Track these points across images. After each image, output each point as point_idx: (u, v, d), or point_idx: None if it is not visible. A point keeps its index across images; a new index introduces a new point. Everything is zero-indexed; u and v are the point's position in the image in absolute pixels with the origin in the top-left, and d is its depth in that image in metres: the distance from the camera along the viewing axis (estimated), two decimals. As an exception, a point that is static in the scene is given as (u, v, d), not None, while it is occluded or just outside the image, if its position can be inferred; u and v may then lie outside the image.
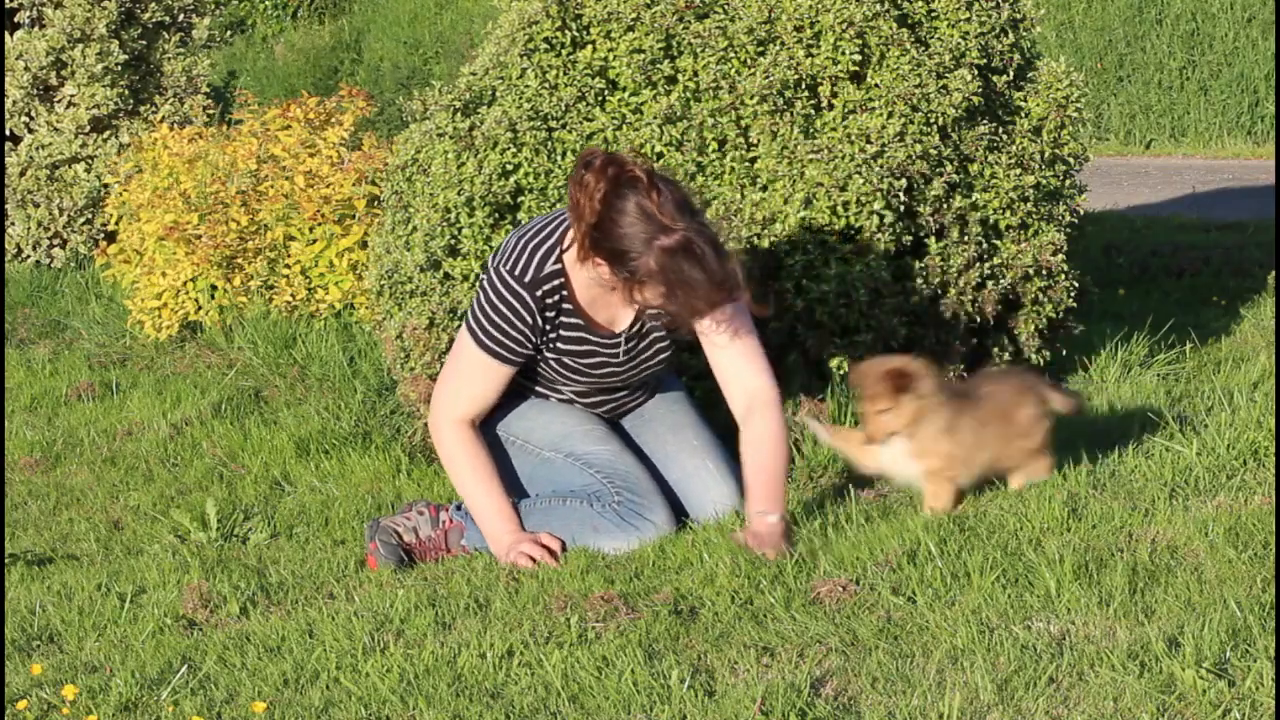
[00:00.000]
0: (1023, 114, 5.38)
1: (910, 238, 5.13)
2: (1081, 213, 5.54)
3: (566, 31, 5.15)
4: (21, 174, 9.60)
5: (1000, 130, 5.32)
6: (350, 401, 6.06)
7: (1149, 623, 3.33)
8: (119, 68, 9.66)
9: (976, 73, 5.24)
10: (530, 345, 4.34)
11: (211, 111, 10.01)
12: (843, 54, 5.10)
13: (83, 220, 9.62)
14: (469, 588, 4.02)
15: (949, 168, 5.16)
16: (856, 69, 5.14)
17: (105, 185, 9.38)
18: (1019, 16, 5.40)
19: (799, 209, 4.96)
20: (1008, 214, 5.27)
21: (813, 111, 5.12)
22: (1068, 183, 5.41)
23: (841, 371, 5.08)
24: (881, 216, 5.05)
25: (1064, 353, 5.62)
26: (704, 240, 4.05)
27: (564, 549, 4.29)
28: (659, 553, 4.15)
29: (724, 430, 4.47)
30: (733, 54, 5.10)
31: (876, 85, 5.14)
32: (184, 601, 4.11)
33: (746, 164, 5.08)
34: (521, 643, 3.55)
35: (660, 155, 5.03)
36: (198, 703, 3.43)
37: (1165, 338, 5.92)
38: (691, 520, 4.41)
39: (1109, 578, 3.55)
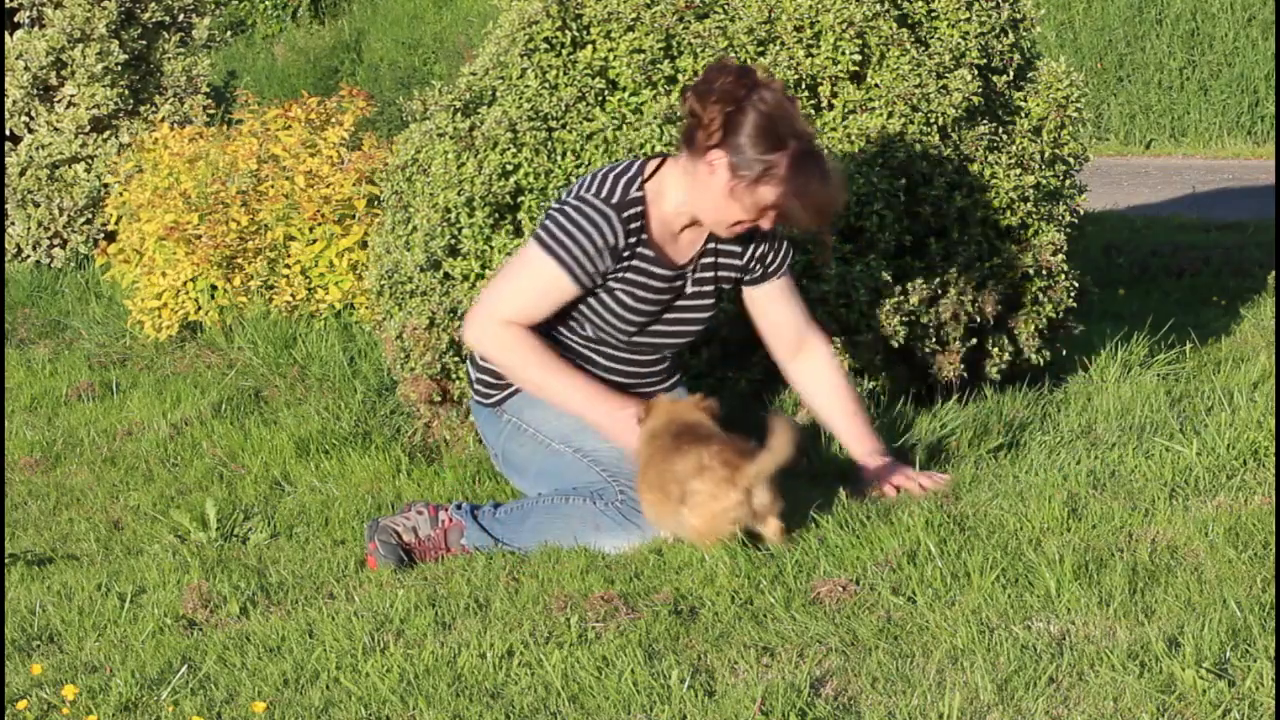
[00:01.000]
0: (1023, 114, 5.38)
1: (910, 238, 5.13)
2: (1081, 213, 5.55)
3: (566, 31, 5.15)
4: (21, 174, 9.60)
5: (1000, 130, 5.32)
6: (350, 401, 6.06)
7: (1149, 623, 3.33)
8: (119, 68, 9.67)
9: (976, 73, 5.24)
10: (600, 269, 4.29)
11: (211, 111, 10.01)
12: (843, 54, 5.10)
13: (83, 220, 9.62)
14: (469, 588, 4.02)
15: (949, 168, 5.16)
16: (856, 69, 5.14)
17: (105, 185, 9.38)
18: (1019, 16, 5.40)
19: (799, 209, 4.96)
20: (1008, 214, 5.27)
21: (813, 111, 5.12)
22: (1068, 183, 5.42)
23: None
24: (882, 216, 5.05)
25: (1064, 353, 5.62)
26: (826, 159, 4.24)
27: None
28: (659, 553, 4.14)
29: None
30: (733, 54, 5.10)
31: (876, 85, 5.14)
32: (184, 601, 4.11)
33: (746, 164, 5.08)
34: (521, 643, 3.55)
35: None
36: (198, 703, 3.43)
37: (1165, 338, 5.92)
38: None
39: (1109, 578, 3.55)
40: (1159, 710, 2.98)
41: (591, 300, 4.37)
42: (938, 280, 5.18)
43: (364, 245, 7.07)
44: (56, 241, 9.66)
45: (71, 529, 5.18)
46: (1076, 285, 5.37)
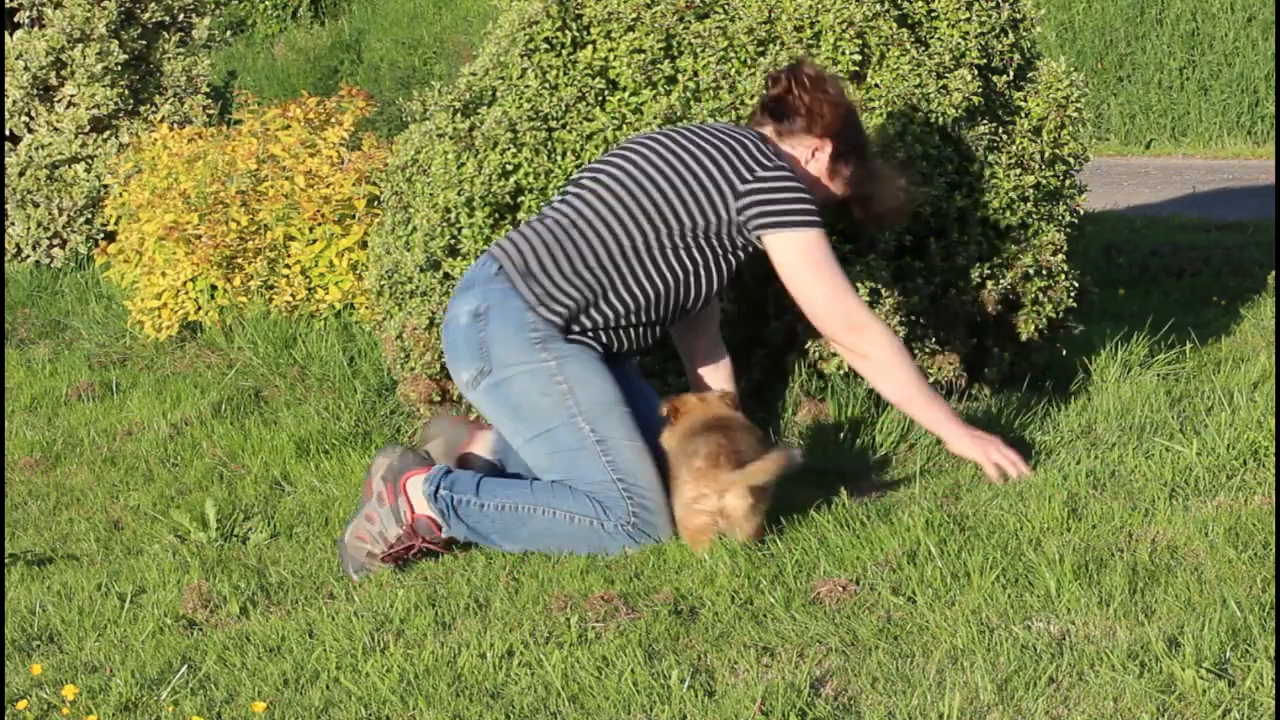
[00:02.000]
0: (1023, 114, 5.38)
1: (910, 238, 5.13)
2: (1081, 213, 5.54)
3: (567, 31, 5.15)
4: (21, 174, 9.60)
5: (1000, 130, 5.32)
6: (350, 401, 6.06)
7: (1149, 623, 3.33)
8: (119, 68, 9.66)
9: (976, 73, 5.24)
10: None
11: (211, 111, 10.01)
12: (843, 54, 5.10)
13: (82, 220, 9.62)
14: (469, 588, 4.02)
15: (949, 168, 5.16)
16: (856, 69, 5.14)
17: (105, 185, 9.38)
18: (1019, 16, 5.40)
19: (799, 209, 4.95)
20: (1008, 214, 5.27)
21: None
22: (1068, 183, 5.41)
23: (841, 371, 5.08)
24: (881, 216, 5.05)
25: (1064, 353, 5.62)
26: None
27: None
28: (659, 553, 4.14)
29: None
30: (733, 54, 5.10)
31: (876, 85, 5.14)
32: (184, 601, 4.11)
33: (746, 164, 5.08)
34: (521, 643, 3.55)
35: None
36: (198, 703, 3.43)
37: (1165, 338, 5.92)
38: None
39: (1109, 578, 3.55)
40: (1159, 710, 2.98)
41: (731, 259, 4.38)
42: (938, 280, 5.18)
43: (364, 245, 7.07)
44: (56, 241, 9.66)
45: (71, 529, 5.18)
46: (1076, 285, 5.37)
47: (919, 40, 5.25)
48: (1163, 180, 12.75)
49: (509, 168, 5.05)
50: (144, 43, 9.93)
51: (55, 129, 9.60)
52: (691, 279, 4.35)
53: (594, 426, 4.23)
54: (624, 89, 5.13)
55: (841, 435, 4.96)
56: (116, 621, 4.06)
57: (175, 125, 9.28)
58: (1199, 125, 15.31)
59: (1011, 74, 5.36)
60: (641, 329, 4.36)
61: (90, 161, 9.63)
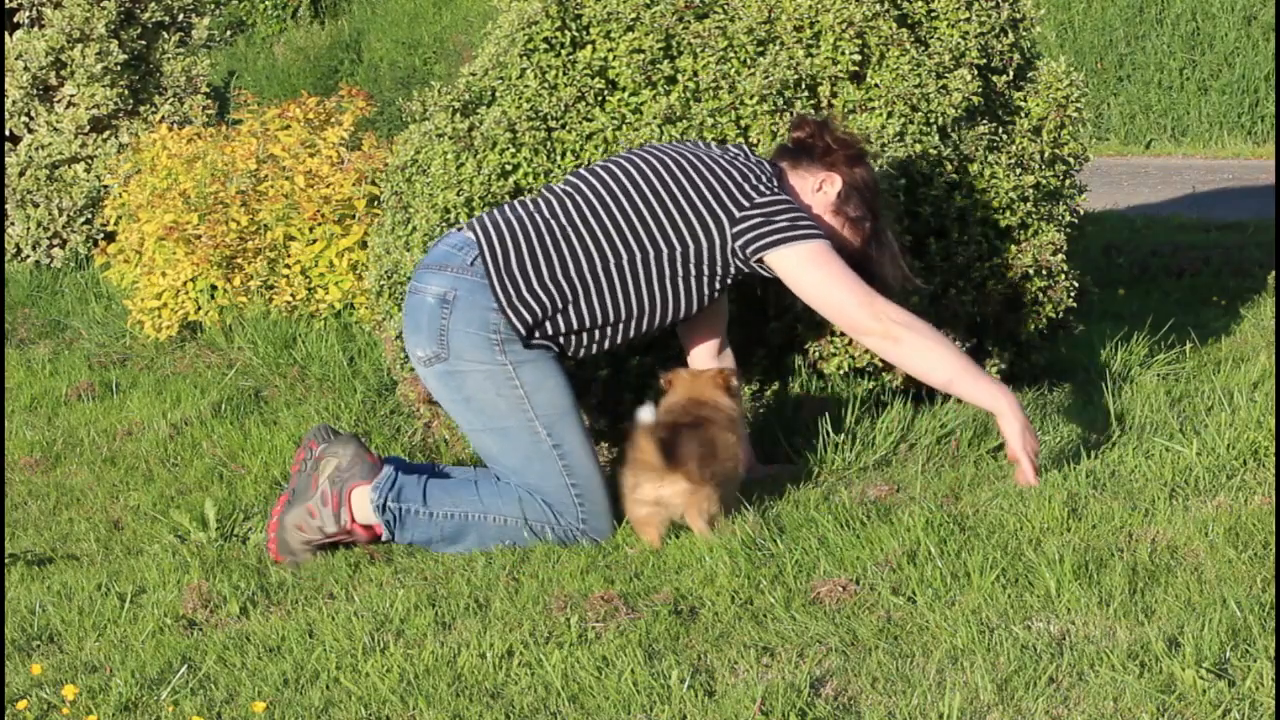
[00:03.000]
0: (1023, 114, 5.38)
1: (910, 238, 5.13)
2: (1081, 213, 5.55)
3: (566, 31, 5.15)
4: (21, 174, 9.60)
5: (1000, 130, 5.32)
6: (350, 401, 6.06)
7: (1149, 623, 3.33)
8: (119, 68, 9.66)
9: (976, 73, 5.24)
10: None
11: (211, 111, 10.01)
12: (842, 54, 5.10)
13: (82, 220, 9.61)
14: (469, 588, 4.03)
15: (949, 168, 5.16)
16: (856, 69, 5.14)
17: (105, 185, 9.38)
18: (1019, 16, 5.40)
19: (799, 209, 4.96)
20: (1008, 214, 5.27)
21: (813, 111, 5.12)
22: (1068, 183, 5.42)
23: (841, 371, 5.08)
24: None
25: (1064, 353, 5.62)
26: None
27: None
28: (659, 553, 4.15)
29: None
30: (732, 54, 5.10)
31: (876, 85, 5.15)
32: (184, 601, 4.11)
33: (746, 164, 5.08)
34: (521, 643, 3.55)
35: (660, 155, 5.03)
36: (198, 703, 3.43)
37: (1165, 338, 5.92)
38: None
39: (1109, 578, 3.55)
40: (1159, 710, 2.98)
41: (716, 284, 4.36)
42: (938, 280, 5.18)
43: (364, 245, 7.07)
44: (56, 241, 9.65)
45: (71, 529, 5.18)
46: (1076, 285, 5.37)
47: (919, 40, 5.25)
48: (1163, 180, 12.75)
49: (508, 168, 5.05)
50: (144, 43, 9.93)
51: (55, 129, 9.59)
52: (670, 303, 4.36)
53: (550, 432, 4.30)
54: (623, 89, 5.13)
55: (841, 435, 4.96)
56: (116, 621, 4.06)
57: (175, 125, 9.28)
58: (1199, 125, 15.31)
59: (1011, 74, 5.37)
60: (605, 342, 4.40)
61: (90, 161, 9.63)
